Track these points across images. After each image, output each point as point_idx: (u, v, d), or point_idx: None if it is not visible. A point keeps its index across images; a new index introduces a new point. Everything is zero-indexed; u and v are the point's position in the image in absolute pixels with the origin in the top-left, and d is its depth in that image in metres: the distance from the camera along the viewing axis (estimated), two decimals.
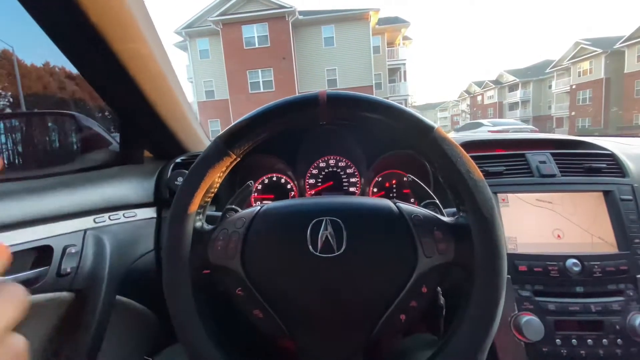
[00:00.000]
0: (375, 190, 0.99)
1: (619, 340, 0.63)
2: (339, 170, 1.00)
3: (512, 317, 0.65)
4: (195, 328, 0.42)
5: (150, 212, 0.83)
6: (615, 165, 0.77)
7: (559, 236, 0.70)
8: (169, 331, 0.91)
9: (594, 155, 0.79)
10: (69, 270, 0.61)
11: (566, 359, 0.62)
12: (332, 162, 1.00)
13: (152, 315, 0.84)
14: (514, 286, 0.67)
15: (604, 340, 0.63)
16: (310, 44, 16.81)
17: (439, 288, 0.53)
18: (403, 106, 0.44)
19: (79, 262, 0.63)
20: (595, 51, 21.75)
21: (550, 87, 28.92)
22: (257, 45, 16.14)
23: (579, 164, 0.77)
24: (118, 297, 0.73)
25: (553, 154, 0.79)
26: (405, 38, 21.25)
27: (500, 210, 0.73)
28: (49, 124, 0.83)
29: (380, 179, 0.99)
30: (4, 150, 0.77)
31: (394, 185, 0.98)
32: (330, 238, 0.43)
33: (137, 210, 0.79)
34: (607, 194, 0.72)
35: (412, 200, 0.93)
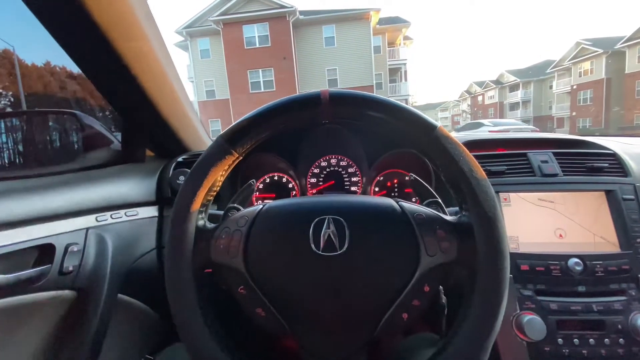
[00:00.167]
0: (376, 189, 0.99)
1: (620, 339, 0.62)
2: (340, 169, 1.00)
3: (514, 316, 0.64)
4: (197, 326, 0.42)
5: (152, 211, 0.83)
6: (617, 165, 0.76)
7: (561, 236, 0.70)
8: (170, 330, 0.91)
9: (596, 154, 0.79)
10: (71, 268, 0.61)
11: (568, 358, 0.62)
12: (333, 161, 1.00)
13: (154, 313, 0.85)
14: (516, 285, 0.67)
15: (606, 339, 0.63)
16: (311, 44, 16.81)
17: (440, 287, 0.53)
18: (405, 105, 0.44)
19: (81, 261, 0.63)
20: (596, 51, 21.72)
21: (551, 87, 28.87)
22: (257, 45, 16.14)
23: (581, 164, 0.76)
24: (120, 295, 0.73)
25: (555, 154, 0.79)
26: (406, 38, 21.24)
27: (502, 209, 0.73)
28: (51, 123, 0.83)
29: (381, 178, 0.98)
30: (7, 148, 0.77)
31: (396, 185, 0.98)
32: (332, 237, 0.43)
33: (138, 209, 0.79)
34: (609, 194, 0.72)
35: (413, 199, 0.93)
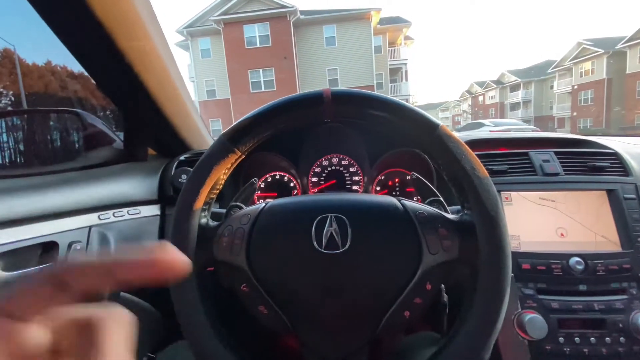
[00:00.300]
0: (378, 188, 0.99)
1: (621, 338, 0.63)
2: (342, 168, 1.00)
3: (515, 315, 0.65)
4: (200, 324, 0.43)
5: (154, 210, 0.83)
6: (618, 164, 0.77)
7: (562, 235, 0.70)
8: (172, 329, 0.91)
9: (597, 154, 0.79)
10: None
11: (569, 357, 0.62)
12: (335, 160, 1.01)
13: (156, 312, 0.85)
14: (517, 284, 0.67)
15: (607, 338, 0.63)
16: (312, 44, 16.81)
17: (442, 285, 0.53)
18: (407, 103, 0.44)
19: None
20: (597, 51, 21.68)
21: (552, 87, 28.83)
22: (258, 45, 16.15)
23: (583, 163, 0.76)
24: (122, 293, 0.73)
25: (556, 153, 0.79)
26: (406, 38, 21.23)
27: (504, 208, 0.73)
28: (54, 122, 0.84)
29: (383, 177, 0.99)
30: (10, 147, 0.77)
31: (397, 184, 0.98)
32: (335, 235, 0.44)
33: (141, 208, 0.79)
34: (610, 193, 0.72)
35: (415, 198, 0.94)
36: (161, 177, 0.86)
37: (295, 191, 1.01)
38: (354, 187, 1.00)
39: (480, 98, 39.19)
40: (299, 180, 1.00)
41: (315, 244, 0.43)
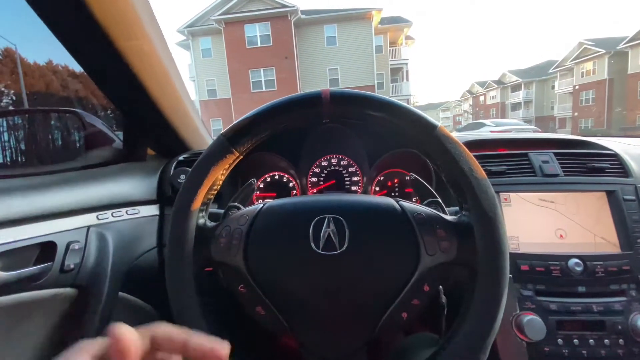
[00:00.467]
0: (377, 189, 0.99)
1: (620, 340, 0.62)
2: (341, 169, 1.00)
3: (513, 316, 0.64)
4: (198, 325, 0.43)
5: (153, 210, 0.83)
6: (618, 165, 0.76)
7: (561, 236, 0.70)
8: None
9: (597, 155, 0.79)
10: (72, 266, 0.61)
11: (568, 359, 0.62)
12: (334, 160, 1.01)
13: (154, 312, 0.85)
14: (515, 285, 0.67)
15: (606, 340, 0.63)
16: (313, 43, 16.80)
17: (440, 287, 0.53)
18: (405, 104, 0.44)
19: (82, 259, 0.64)
20: (599, 52, 21.63)
21: (553, 87, 28.77)
22: (259, 45, 16.15)
23: (582, 164, 0.76)
24: (121, 293, 0.73)
25: (556, 154, 0.79)
26: (407, 38, 21.21)
27: (503, 209, 0.73)
28: (53, 121, 0.84)
29: (382, 177, 0.99)
30: (9, 146, 0.77)
31: (396, 184, 0.98)
32: (332, 236, 0.43)
33: (139, 208, 0.79)
34: (610, 194, 0.72)
35: (414, 199, 0.93)
36: (160, 177, 0.86)
37: (295, 191, 1.01)
38: (353, 188, 1.00)
39: (482, 98, 39.15)
40: (298, 181, 1.00)
41: (312, 245, 0.43)
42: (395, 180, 0.98)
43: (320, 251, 0.43)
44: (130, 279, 0.74)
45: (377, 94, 0.44)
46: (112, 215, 0.72)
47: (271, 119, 0.44)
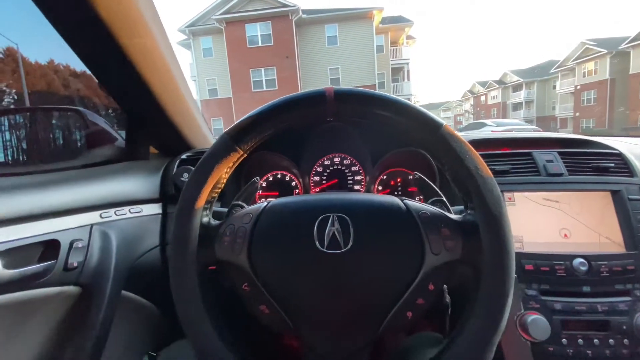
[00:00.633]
0: (380, 188, 0.99)
1: (625, 340, 0.62)
2: (343, 168, 1.00)
3: (518, 316, 0.64)
4: (202, 323, 0.42)
5: (155, 208, 0.83)
6: (623, 165, 0.76)
7: (565, 235, 0.70)
8: (173, 327, 0.91)
9: (601, 154, 0.78)
10: (75, 264, 0.61)
11: (572, 358, 0.62)
12: (337, 159, 1.00)
13: (157, 310, 0.85)
14: (520, 285, 0.66)
15: (611, 340, 0.62)
16: (314, 43, 16.79)
17: (444, 286, 0.53)
18: (410, 102, 0.43)
19: (86, 257, 0.64)
20: (601, 52, 21.56)
21: (554, 87, 28.69)
22: (260, 44, 16.14)
23: (587, 163, 0.76)
24: (124, 292, 0.73)
25: (560, 153, 0.78)
26: (408, 37, 21.17)
27: (507, 209, 0.72)
28: (56, 120, 0.84)
29: (385, 177, 0.98)
30: (12, 144, 0.77)
31: (399, 184, 0.98)
32: (337, 234, 0.43)
33: (142, 206, 0.79)
34: (614, 194, 0.72)
35: (417, 198, 0.93)
36: (163, 175, 0.86)
37: (297, 190, 1.00)
38: (356, 187, 1.00)
39: (483, 98, 39.07)
40: (300, 180, 0.99)
41: (317, 243, 0.43)
42: (398, 180, 0.98)
43: (324, 250, 0.43)
44: (133, 277, 0.74)
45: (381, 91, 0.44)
46: (115, 214, 0.72)
47: (275, 117, 0.44)
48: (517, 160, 0.79)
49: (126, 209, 0.75)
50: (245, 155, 0.46)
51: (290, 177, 1.01)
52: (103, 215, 0.70)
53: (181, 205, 0.44)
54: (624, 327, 0.62)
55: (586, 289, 0.65)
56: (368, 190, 0.98)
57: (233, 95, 16.42)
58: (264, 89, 16.25)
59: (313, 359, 0.46)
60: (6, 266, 0.53)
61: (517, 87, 32.68)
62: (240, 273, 0.45)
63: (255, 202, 0.53)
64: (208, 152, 0.45)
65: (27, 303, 0.57)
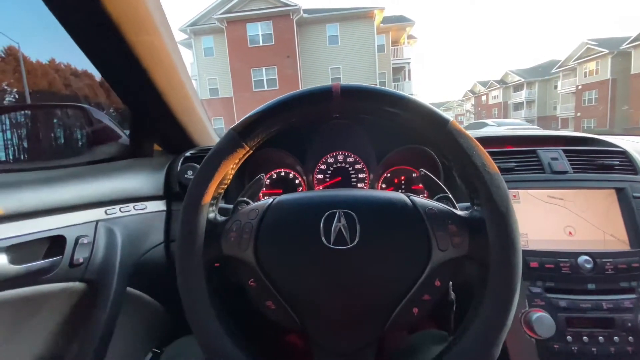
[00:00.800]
0: (383, 186, 0.99)
1: (630, 337, 0.62)
2: (347, 165, 1.00)
3: (522, 313, 0.64)
4: (208, 319, 0.42)
5: (160, 205, 0.83)
6: (628, 163, 0.76)
7: (570, 233, 0.70)
8: (178, 324, 0.91)
9: (606, 152, 0.78)
10: (81, 260, 0.62)
11: (577, 356, 0.62)
12: (340, 157, 1.00)
13: (161, 307, 0.85)
14: (525, 283, 0.66)
15: (615, 337, 0.62)
16: (315, 42, 16.78)
17: (450, 283, 0.53)
18: (417, 99, 0.43)
19: (91, 253, 0.64)
20: (602, 52, 21.51)
21: (555, 87, 28.63)
22: (261, 43, 16.14)
23: (591, 161, 0.76)
24: (128, 288, 0.74)
25: (565, 151, 0.78)
26: (409, 37, 21.14)
27: None
28: (61, 117, 0.84)
29: (389, 174, 0.98)
30: (18, 141, 0.78)
31: (403, 181, 0.98)
32: (343, 230, 0.43)
33: (147, 203, 0.79)
34: (619, 191, 0.72)
35: (421, 195, 0.93)
36: (167, 173, 0.86)
37: (300, 188, 1.00)
38: (360, 185, 1.00)
39: (484, 98, 39.01)
40: (304, 177, 0.99)
41: (323, 239, 0.43)
42: (402, 177, 0.98)
43: (331, 246, 0.43)
44: (138, 274, 0.75)
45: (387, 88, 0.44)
46: (120, 210, 0.73)
47: (282, 113, 0.44)
48: (522, 157, 0.79)
49: (130, 205, 0.76)
50: (252, 151, 0.46)
51: (293, 174, 1.01)
52: (108, 211, 0.70)
53: (188, 201, 0.44)
54: (629, 325, 0.62)
55: (591, 286, 0.65)
56: (372, 188, 0.98)
57: (234, 94, 16.42)
58: (265, 88, 16.24)
59: (319, 355, 0.46)
60: (12, 261, 0.53)
61: (518, 87, 32.61)
62: (246, 269, 0.45)
63: (260, 199, 0.53)
64: (215, 148, 0.45)
65: (33, 298, 0.57)
